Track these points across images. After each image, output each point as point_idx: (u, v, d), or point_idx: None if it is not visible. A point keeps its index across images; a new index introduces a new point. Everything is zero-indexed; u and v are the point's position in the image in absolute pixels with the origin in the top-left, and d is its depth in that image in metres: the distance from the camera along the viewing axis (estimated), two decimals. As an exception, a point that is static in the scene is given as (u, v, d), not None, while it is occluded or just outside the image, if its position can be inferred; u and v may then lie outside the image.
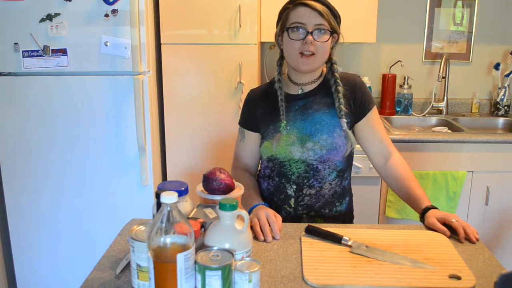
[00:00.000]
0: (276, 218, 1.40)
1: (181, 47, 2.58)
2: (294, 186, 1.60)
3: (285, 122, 1.56)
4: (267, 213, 1.40)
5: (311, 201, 1.60)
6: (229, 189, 1.36)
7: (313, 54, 1.50)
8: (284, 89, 1.61)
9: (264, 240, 1.35)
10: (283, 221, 1.46)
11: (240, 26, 2.53)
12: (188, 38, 2.56)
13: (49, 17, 2.26)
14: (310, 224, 1.39)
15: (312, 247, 1.32)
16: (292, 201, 1.61)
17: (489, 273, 1.21)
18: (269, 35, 2.75)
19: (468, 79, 3.20)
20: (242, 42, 2.55)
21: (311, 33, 1.48)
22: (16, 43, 2.28)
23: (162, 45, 2.58)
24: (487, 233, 2.71)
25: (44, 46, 2.29)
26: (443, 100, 3.14)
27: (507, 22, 3.12)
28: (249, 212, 1.46)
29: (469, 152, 2.62)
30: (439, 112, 3.15)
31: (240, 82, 2.60)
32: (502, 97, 3.08)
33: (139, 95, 2.29)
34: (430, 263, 1.24)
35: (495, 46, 3.14)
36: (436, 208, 1.48)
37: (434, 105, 3.11)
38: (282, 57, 1.61)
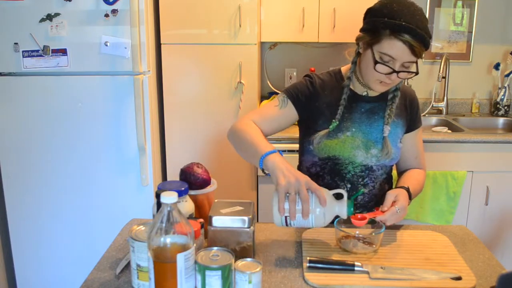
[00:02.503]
0: (306, 196, 1.19)
1: (181, 47, 2.58)
2: (349, 185, 1.54)
3: (337, 122, 1.49)
4: (299, 187, 1.20)
5: (365, 200, 1.57)
6: (205, 183, 1.37)
7: (392, 83, 1.45)
8: (352, 85, 1.55)
9: (286, 223, 1.23)
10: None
11: (240, 26, 2.53)
12: (188, 38, 2.56)
13: (49, 17, 2.26)
14: (311, 258, 1.24)
15: (313, 247, 1.32)
16: None
17: (489, 273, 1.21)
18: (269, 35, 2.76)
19: (468, 79, 3.20)
20: (242, 42, 2.55)
21: (398, 72, 1.39)
22: (16, 43, 2.28)
23: (162, 45, 2.57)
24: (487, 233, 2.71)
25: (44, 46, 2.28)
26: (443, 100, 3.14)
27: (507, 22, 3.12)
28: (262, 160, 1.29)
29: (469, 152, 2.62)
30: (439, 112, 3.15)
31: (240, 82, 2.59)
32: (502, 97, 3.08)
33: (139, 95, 2.29)
34: (431, 263, 1.24)
35: (495, 46, 3.14)
36: (408, 192, 1.43)
37: (434, 105, 3.11)
38: (358, 54, 1.52)
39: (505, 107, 3.09)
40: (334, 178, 1.54)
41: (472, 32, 3.12)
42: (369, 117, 1.53)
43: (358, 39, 1.48)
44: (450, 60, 3.10)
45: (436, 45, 3.15)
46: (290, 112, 1.54)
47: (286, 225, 1.24)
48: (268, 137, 1.49)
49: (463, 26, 3.12)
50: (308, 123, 1.56)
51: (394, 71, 1.38)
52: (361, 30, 1.47)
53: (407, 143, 1.61)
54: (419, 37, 1.34)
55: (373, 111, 1.54)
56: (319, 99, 1.53)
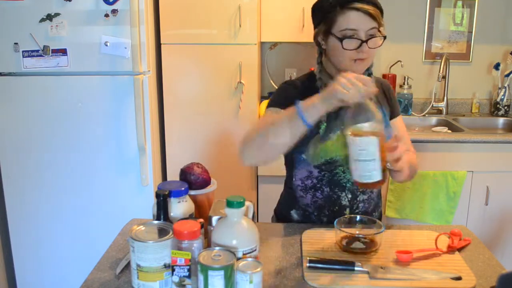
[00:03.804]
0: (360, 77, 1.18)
1: (181, 47, 2.58)
2: (350, 195, 1.51)
3: (325, 124, 1.45)
4: (348, 78, 1.18)
5: (365, 207, 1.54)
6: (205, 183, 1.37)
7: (366, 57, 1.41)
8: (328, 84, 1.53)
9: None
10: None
11: (240, 26, 2.53)
12: (188, 38, 2.56)
13: (49, 17, 2.26)
14: (311, 258, 1.24)
15: (313, 247, 1.32)
16: (347, 211, 1.51)
17: (489, 273, 1.21)
18: (269, 35, 2.76)
19: (468, 79, 3.20)
20: (242, 42, 2.55)
21: (366, 41, 1.36)
22: (16, 43, 2.28)
23: (162, 45, 2.57)
24: (487, 233, 2.71)
25: (44, 46, 2.28)
26: (443, 100, 3.14)
27: (507, 22, 3.12)
28: (300, 107, 1.23)
29: (469, 152, 2.62)
30: (439, 112, 3.15)
31: (240, 82, 2.59)
32: (502, 97, 3.08)
33: (139, 95, 2.29)
34: (431, 263, 1.24)
35: (495, 46, 3.14)
36: None
37: (434, 105, 3.11)
38: (321, 54, 1.50)
39: (505, 107, 3.09)
40: (334, 189, 1.50)
41: (472, 32, 3.12)
42: (356, 111, 1.51)
43: (315, 36, 1.47)
44: (450, 60, 3.10)
45: (436, 45, 3.15)
46: None
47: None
48: None
49: (463, 26, 3.12)
50: None
51: (362, 41, 1.36)
52: (315, 27, 1.47)
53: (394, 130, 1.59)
54: (367, 1, 1.35)
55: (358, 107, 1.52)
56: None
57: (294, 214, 1.57)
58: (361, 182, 1.21)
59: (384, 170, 1.21)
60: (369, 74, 1.52)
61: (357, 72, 1.42)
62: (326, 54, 1.48)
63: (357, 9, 1.34)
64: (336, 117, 1.49)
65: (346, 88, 1.17)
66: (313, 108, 1.22)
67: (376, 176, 1.19)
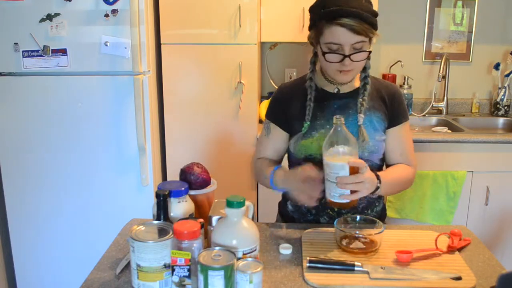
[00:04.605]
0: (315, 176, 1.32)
1: (181, 47, 2.58)
2: None
3: (308, 123, 1.50)
4: (300, 174, 1.34)
5: (358, 202, 1.50)
6: (205, 183, 1.37)
7: (351, 69, 1.45)
8: (320, 84, 1.56)
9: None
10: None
11: (240, 26, 2.53)
12: (188, 38, 2.56)
13: (49, 17, 2.26)
14: (311, 258, 1.25)
15: (313, 247, 1.32)
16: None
17: (489, 273, 1.21)
18: (269, 35, 2.76)
19: (468, 79, 3.20)
20: (242, 42, 2.55)
21: (349, 56, 1.39)
22: (16, 43, 2.28)
23: (162, 45, 2.57)
24: (487, 233, 2.71)
25: (44, 46, 2.28)
26: (443, 100, 3.14)
27: (507, 22, 3.12)
28: (272, 183, 1.47)
29: (469, 152, 2.62)
30: (439, 112, 3.15)
31: (240, 82, 2.59)
32: (502, 97, 3.08)
33: (139, 95, 2.29)
34: (431, 263, 1.24)
35: (495, 46, 3.14)
36: (376, 174, 1.38)
37: (434, 105, 3.11)
38: (315, 55, 1.53)
39: (505, 107, 3.09)
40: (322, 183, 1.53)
41: (472, 32, 3.12)
42: (343, 112, 1.52)
43: (308, 38, 1.51)
44: (450, 60, 3.10)
45: (436, 45, 3.15)
46: (278, 133, 1.59)
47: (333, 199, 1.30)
48: None
49: (463, 26, 3.12)
50: (287, 130, 1.58)
51: (344, 56, 1.39)
52: (308, 28, 1.50)
53: (391, 139, 1.57)
54: (353, 15, 1.35)
55: (347, 106, 1.53)
56: (291, 106, 1.56)
57: (289, 205, 1.63)
58: (332, 200, 1.30)
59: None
60: (366, 77, 1.53)
61: (343, 81, 1.51)
62: (319, 59, 1.52)
63: (341, 25, 1.35)
64: (322, 117, 1.52)
65: (299, 196, 1.34)
66: (281, 182, 1.44)
67: (344, 199, 1.28)
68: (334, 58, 1.41)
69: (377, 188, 1.36)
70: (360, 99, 1.51)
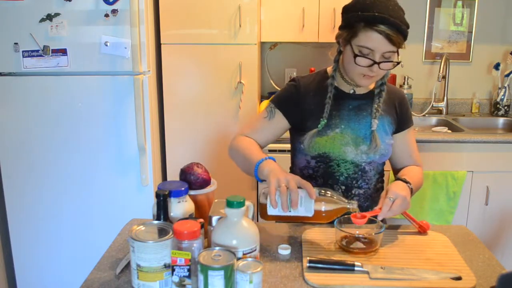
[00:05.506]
0: (294, 188, 1.23)
1: (181, 47, 2.58)
2: (343, 187, 1.55)
3: (325, 121, 1.51)
4: (287, 180, 1.24)
5: (360, 201, 1.57)
6: (205, 183, 1.37)
7: (375, 75, 1.47)
8: (336, 83, 1.56)
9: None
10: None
11: (240, 26, 2.53)
12: (188, 38, 2.56)
13: (49, 17, 2.26)
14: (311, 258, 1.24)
15: (313, 247, 1.32)
16: None
17: (489, 273, 1.21)
18: (269, 35, 2.76)
19: (468, 79, 3.20)
20: (242, 42, 2.55)
21: (379, 63, 1.40)
22: (16, 43, 2.28)
23: (162, 45, 2.58)
24: (487, 233, 2.71)
25: (44, 46, 2.28)
26: (443, 100, 3.14)
27: (507, 22, 3.12)
28: (257, 167, 1.34)
29: (469, 152, 2.62)
30: (439, 112, 3.15)
31: (240, 82, 2.60)
32: (502, 97, 3.08)
33: (139, 95, 2.29)
34: (431, 263, 1.24)
35: (495, 46, 3.14)
36: (407, 182, 1.42)
37: (434, 105, 3.11)
38: (340, 53, 1.54)
39: (505, 107, 3.09)
40: (328, 181, 1.55)
41: (472, 32, 3.13)
42: (357, 114, 1.54)
43: (337, 37, 1.51)
44: (450, 60, 3.10)
45: (436, 45, 3.15)
46: (280, 121, 1.57)
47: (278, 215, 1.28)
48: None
49: (463, 26, 3.12)
50: (298, 125, 1.57)
51: (374, 62, 1.40)
52: (339, 27, 1.50)
53: (400, 142, 1.61)
54: (393, 25, 1.36)
55: (361, 108, 1.55)
56: (306, 101, 1.56)
57: None
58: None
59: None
60: (383, 84, 1.55)
61: (363, 85, 1.52)
62: (342, 57, 1.53)
63: (379, 32, 1.36)
64: (337, 116, 1.53)
65: (279, 185, 1.24)
66: (266, 171, 1.31)
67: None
68: (364, 62, 1.42)
69: (411, 190, 1.42)
70: (376, 105, 1.53)
